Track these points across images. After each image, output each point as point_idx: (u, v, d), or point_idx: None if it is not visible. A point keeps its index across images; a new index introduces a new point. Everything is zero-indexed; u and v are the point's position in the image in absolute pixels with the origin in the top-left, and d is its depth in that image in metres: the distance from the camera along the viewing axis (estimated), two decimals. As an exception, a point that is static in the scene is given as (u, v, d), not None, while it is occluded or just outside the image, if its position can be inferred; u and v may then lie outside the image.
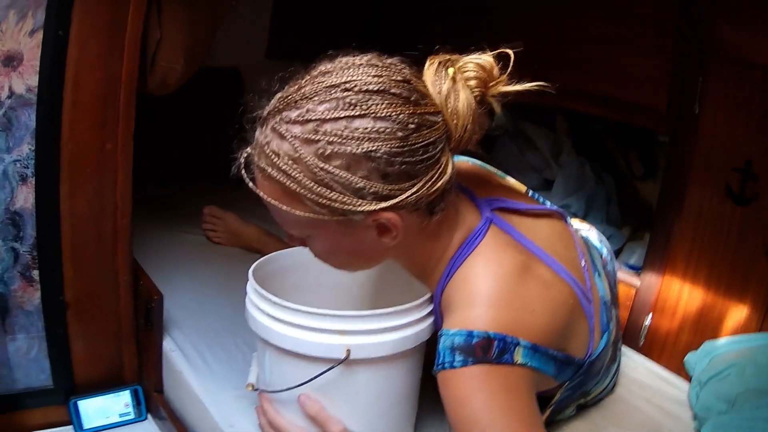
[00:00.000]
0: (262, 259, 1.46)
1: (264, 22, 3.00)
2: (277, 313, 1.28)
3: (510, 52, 1.22)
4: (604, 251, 1.72)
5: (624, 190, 2.50)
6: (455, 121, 1.17)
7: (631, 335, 1.90)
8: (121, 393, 1.84)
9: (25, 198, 1.63)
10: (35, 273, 1.69)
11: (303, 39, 2.95)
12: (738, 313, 1.74)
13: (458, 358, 1.17)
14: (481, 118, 1.22)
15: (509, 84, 1.23)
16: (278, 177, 1.14)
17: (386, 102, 1.12)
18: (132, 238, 1.78)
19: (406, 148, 1.12)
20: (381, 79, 1.13)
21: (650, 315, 1.86)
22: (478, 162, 1.55)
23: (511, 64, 1.21)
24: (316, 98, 1.12)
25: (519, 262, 1.28)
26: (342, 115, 1.11)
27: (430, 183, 1.16)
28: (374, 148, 1.10)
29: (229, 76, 2.83)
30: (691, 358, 1.75)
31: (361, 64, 1.16)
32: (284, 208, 1.17)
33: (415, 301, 1.33)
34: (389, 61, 1.19)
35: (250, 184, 1.21)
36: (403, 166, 1.13)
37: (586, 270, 1.46)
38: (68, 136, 1.61)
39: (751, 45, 1.67)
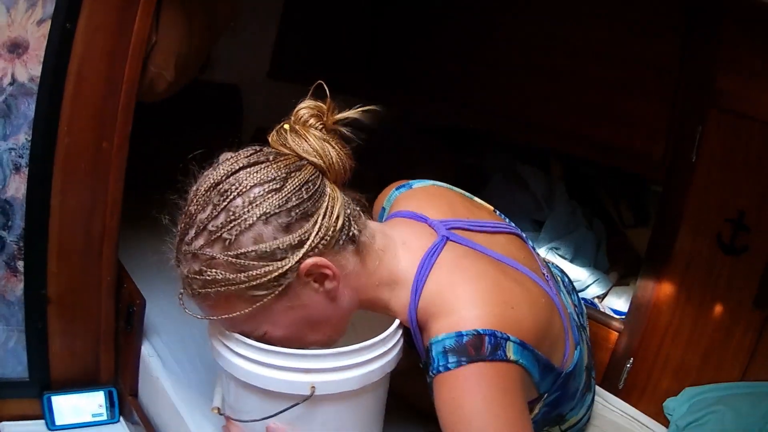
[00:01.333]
0: None
1: (268, 41, 3.02)
2: (242, 350, 1.29)
3: (322, 83, 1.28)
4: (566, 280, 1.75)
5: (613, 236, 2.50)
6: (316, 158, 1.26)
7: (611, 378, 1.89)
8: (96, 393, 1.82)
9: (16, 187, 1.63)
10: (20, 264, 1.68)
11: (305, 60, 2.98)
12: (721, 361, 1.73)
13: (452, 359, 1.19)
14: (341, 145, 1.30)
15: (341, 111, 1.31)
16: (209, 290, 1.22)
17: (251, 173, 1.22)
18: (119, 240, 1.78)
19: (288, 195, 1.21)
20: (237, 162, 1.25)
21: (632, 359, 1.85)
22: (443, 184, 1.61)
23: (328, 93, 1.29)
24: (199, 210, 1.23)
25: (486, 262, 1.34)
26: (224, 204, 1.20)
27: (328, 215, 1.24)
28: (264, 210, 1.19)
29: (229, 92, 2.84)
30: (670, 404, 1.76)
31: (218, 164, 1.27)
32: (233, 315, 1.24)
33: (379, 332, 1.34)
34: (239, 151, 1.29)
35: (198, 317, 1.31)
36: (297, 211, 1.21)
37: (549, 279, 1.49)
38: (66, 130, 1.61)
39: (751, 97, 1.68)
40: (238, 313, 1.23)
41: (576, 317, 1.60)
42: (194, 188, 1.26)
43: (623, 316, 1.98)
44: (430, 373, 1.22)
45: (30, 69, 1.55)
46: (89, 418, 1.81)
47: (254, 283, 1.20)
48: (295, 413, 1.28)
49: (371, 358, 1.30)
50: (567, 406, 1.53)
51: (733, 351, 1.72)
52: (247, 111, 3.01)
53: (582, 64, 2.16)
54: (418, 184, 1.58)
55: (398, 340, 1.37)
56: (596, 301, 2.15)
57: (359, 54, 2.66)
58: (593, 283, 2.21)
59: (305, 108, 1.29)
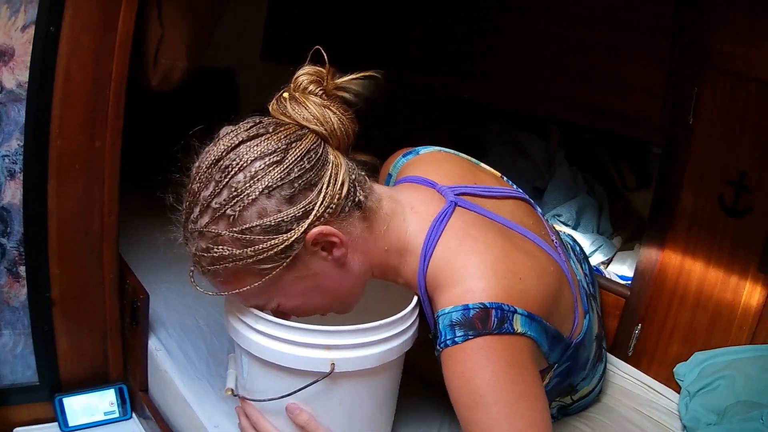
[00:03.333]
0: None
1: (259, 23, 3.00)
2: (261, 327, 1.29)
3: (320, 48, 1.28)
4: (577, 248, 1.75)
5: (616, 200, 2.49)
6: (317, 125, 1.24)
7: (620, 345, 1.88)
8: (107, 391, 1.83)
9: (12, 194, 1.62)
10: (22, 269, 1.68)
11: (297, 41, 2.92)
12: (729, 324, 1.72)
13: (459, 333, 1.19)
14: (342, 110, 1.29)
15: (341, 76, 1.30)
16: (218, 267, 1.23)
17: (251, 146, 1.22)
18: (119, 236, 1.77)
19: (290, 166, 1.20)
20: (237, 135, 1.24)
21: (639, 325, 1.85)
22: (450, 150, 1.60)
23: (326, 58, 1.27)
24: (202, 187, 1.23)
25: (495, 233, 1.32)
26: (225, 181, 1.20)
27: (332, 183, 1.23)
28: (266, 184, 1.19)
29: (223, 77, 2.83)
30: (680, 369, 1.75)
31: (218, 139, 1.26)
32: (243, 289, 1.25)
33: (393, 312, 1.34)
34: (237, 124, 1.28)
35: (209, 294, 1.31)
36: (300, 181, 1.21)
37: (559, 246, 1.49)
38: (57, 132, 1.60)
39: (747, 57, 1.65)
40: (248, 287, 1.24)
41: (586, 286, 1.59)
42: (196, 165, 1.26)
43: (629, 282, 1.97)
44: (438, 347, 1.23)
45: (17, 75, 1.54)
46: (102, 417, 1.82)
47: (262, 256, 1.20)
48: (312, 391, 1.28)
49: (391, 336, 1.31)
50: (578, 377, 1.54)
51: (740, 314, 1.70)
52: (242, 94, 3.02)
53: (577, 30, 2.13)
54: (424, 150, 1.58)
55: (416, 319, 1.37)
56: (601, 267, 2.13)
57: (352, 29, 2.64)
58: (597, 249, 2.19)
59: (304, 74, 1.28)
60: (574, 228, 2.29)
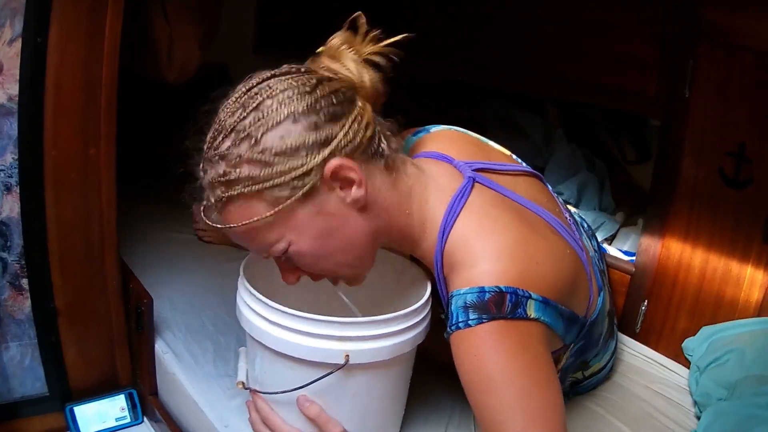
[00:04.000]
0: (250, 256, 1.45)
1: (250, 16, 3.00)
2: (275, 317, 1.28)
3: (359, 14, 1.28)
4: (585, 225, 1.74)
5: (617, 175, 2.47)
6: (352, 75, 1.24)
7: (627, 322, 1.88)
8: (117, 397, 1.84)
9: (10, 207, 1.62)
10: (24, 282, 1.69)
11: (290, 32, 2.94)
12: (735, 297, 1.72)
13: (472, 316, 1.18)
14: (374, 70, 1.28)
15: (373, 43, 1.29)
16: (232, 192, 1.19)
17: (282, 79, 1.22)
18: (120, 240, 1.77)
19: (317, 98, 1.19)
20: (272, 72, 1.25)
21: (646, 301, 1.84)
22: (460, 129, 1.58)
23: (363, 23, 1.28)
24: (229, 115, 1.21)
25: (513, 214, 1.30)
26: (253, 106, 1.19)
27: (356, 121, 1.22)
28: (292, 109, 1.18)
29: (217, 72, 2.81)
30: (689, 344, 1.74)
31: (250, 75, 1.25)
32: (252, 220, 1.21)
33: (408, 299, 1.35)
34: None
35: (217, 226, 1.26)
36: (326, 111, 1.20)
37: (572, 223, 1.48)
38: (51, 143, 1.60)
39: (741, 27, 1.64)
40: (260, 217, 1.20)
41: (597, 261, 1.59)
42: (225, 100, 1.24)
43: (633, 258, 1.96)
44: (449, 329, 1.22)
45: (7, 89, 1.54)
46: (114, 423, 1.83)
47: (278, 180, 1.17)
48: (326, 384, 1.28)
49: (405, 328, 1.30)
50: (591, 353, 1.54)
51: (747, 286, 1.70)
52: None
53: (570, 8, 2.11)
54: (435, 128, 1.56)
55: (429, 311, 1.37)
56: (605, 244, 2.12)
57: (344, 17, 2.63)
58: (600, 226, 2.18)
59: (338, 37, 1.28)
60: (576, 205, 2.28)
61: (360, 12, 1.26)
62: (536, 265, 1.24)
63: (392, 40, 1.27)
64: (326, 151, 1.18)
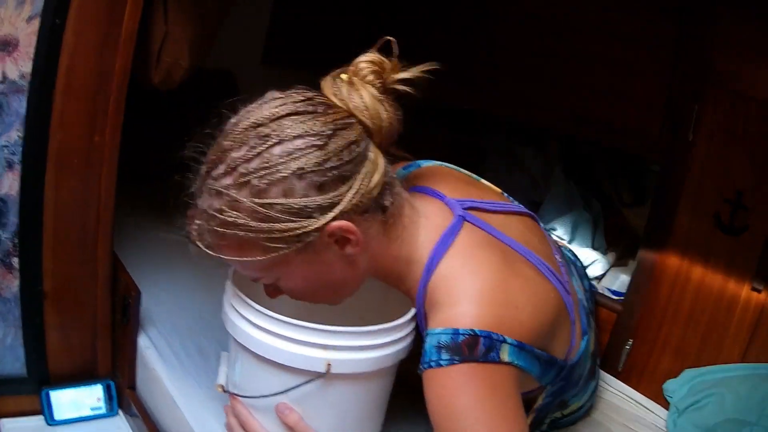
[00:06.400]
0: None
1: (261, 26, 3.00)
2: (259, 321, 1.28)
3: (392, 40, 1.24)
4: (578, 264, 1.75)
5: (611, 216, 2.49)
6: (367, 117, 1.21)
7: (610, 360, 1.88)
8: (94, 387, 1.82)
9: (10, 185, 1.62)
10: (15, 261, 1.68)
11: (299, 46, 2.96)
12: (720, 342, 1.72)
13: (444, 356, 1.18)
14: (393, 108, 1.25)
15: (403, 70, 1.26)
16: (228, 231, 1.19)
17: (296, 122, 1.18)
18: (114, 233, 1.78)
19: (329, 154, 1.17)
20: (285, 106, 1.20)
21: (631, 341, 1.85)
22: (450, 165, 1.58)
23: (396, 51, 1.25)
24: (234, 147, 1.19)
25: (498, 257, 1.30)
26: (261, 149, 1.16)
27: (366, 180, 1.20)
28: (300, 165, 1.15)
29: (223, 79, 2.84)
30: (670, 386, 1.75)
31: (263, 101, 1.23)
32: (245, 259, 1.21)
33: (394, 316, 1.34)
34: (289, 90, 1.25)
35: (209, 252, 1.24)
36: (334, 172, 1.17)
37: (563, 266, 1.48)
38: (58, 125, 1.60)
39: (748, 77, 1.66)
40: (252, 259, 1.21)
41: (586, 303, 1.60)
42: (233, 121, 1.22)
43: (621, 297, 1.97)
44: (421, 366, 1.22)
45: (21, 66, 1.54)
46: (88, 412, 1.82)
47: (275, 236, 1.17)
48: (305, 391, 1.28)
49: (389, 341, 1.31)
50: (570, 393, 1.54)
51: (732, 332, 1.70)
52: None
53: (579, 43, 2.15)
54: (425, 163, 1.56)
55: (413, 329, 1.37)
56: (594, 282, 2.13)
57: (354, 36, 2.64)
58: (591, 263, 2.19)
59: (367, 61, 1.24)
60: (569, 242, 2.29)
61: (392, 38, 1.24)
62: (515, 309, 1.24)
63: (423, 67, 1.26)
64: (329, 215, 1.18)
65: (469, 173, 1.59)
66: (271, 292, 1.36)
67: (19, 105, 1.57)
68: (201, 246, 1.26)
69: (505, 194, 1.58)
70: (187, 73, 1.93)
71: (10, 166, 1.60)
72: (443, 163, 1.58)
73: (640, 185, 2.47)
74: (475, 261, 1.28)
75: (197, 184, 1.24)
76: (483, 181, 1.58)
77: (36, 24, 1.52)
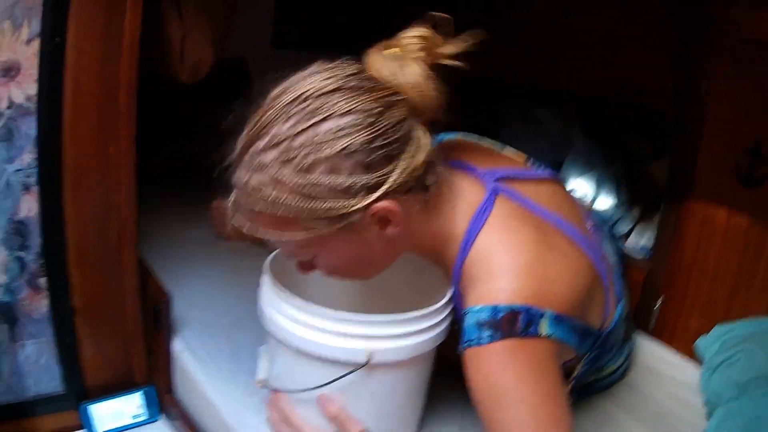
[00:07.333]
0: (275, 252, 1.44)
1: (268, 9, 2.97)
2: (298, 315, 1.28)
3: (446, 17, 1.22)
4: (605, 227, 1.75)
5: (634, 171, 2.47)
6: (415, 94, 1.19)
7: (642, 319, 1.89)
8: (133, 395, 1.83)
9: (29, 207, 1.62)
10: (42, 281, 1.68)
11: (308, 26, 2.93)
12: (749, 295, 1.73)
13: (485, 333, 1.18)
14: (439, 84, 1.21)
15: (453, 43, 1.23)
16: (269, 209, 1.17)
17: (345, 98, 1.15)
18: (138, 239, 1.77)
19: (377, 133, 1.14)
20: (333, 79, 1.17)
21: (660, 298, 1.85)
22: (474, 136, 1.56)
23: (448, 26, 1.22)
24: (278, 120, 1.15)
25: (533, 229, 1.29)
26: (308, 125, 1.13)
27: (411, 159, 1.18)
28: (348, 143, 1.13)
29: (236, 67, 2.79)
30: (701, 343, 1.75)
31: (309, 73, 1.19)
32: (285, 237, 1.20)
33: (426, 294, 1.36)
34: (335, 62, 1.21)
35: (245, 227, 1.23)
36: (381, 151, 1.15)
37: (594, 231, 1.48)
38: (70, 142, 1.59)
39: (759, 24, 1.64)
40: (290, 237, 1.20)
41: (618, 267, 1.60)
42: (275, 93, 1.19)
43: (648, 252, 1.97)
44: (462, 345, 1.22)
45: (26, 89, 1.53)
46: (130, 421, 1.83)
47: (319, 214, 1.16)
48: (346, 382, 1.28)
49: (426, 327, 1.30)
50: (606, 358, 1.54)
51: (760, 284, 1.71)
52: (254, 82, 2.94)
53: (592, 4, 2.13)
54: (446, 137, 1.53)
55: (450, 311, 1.37)
56: (621, 240, 2.13)
57: (363, 12, 2.62)
58: (617, 221, 2.18)
59: (416, 36, 1.21)
60: (593, 200, 2.29)
61: (442, 14, 1.22)
62: (551, 282, 1.24)
63: (470, 38, 1.23)
64: (374, 196, 1.16)
65: (492, 142, 1.57)
66: (305, 268, 1.35)
67: (29, 127, 1.56)
68: (236, 224, 1.25)
69: (531, 161, 1.55)
70: (211, 67, 1.94)
71: (27, 188, 1.60)
72: (465, 134, 1.56)
73: (661, 137, 2.44)
74: (510, 235, 1.27)
75: (234, 158, 1.21)
76: (507, 149, 1.56)
77: (36, 45, 1.51)
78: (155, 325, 1.79)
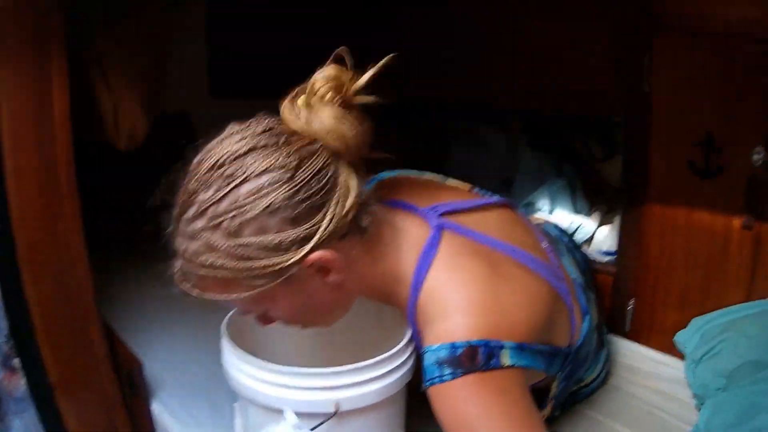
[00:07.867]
0: (232, 313, 1.47)
1: (202, 60, 2.96)
2: (260, 374, 1.29)
3: (343, 53, 1.21)
4: (565, 239, 1.72)
5: (587, 175, 2.44)
6: (332, 139, 1.18)
7: (616, 322, 1.88)
8: (122, 461, 1.85)
9: (-8, 293, 1.64)
10: (16, 361, 1.70)
11: (243, 74, 2.89)
12: (721, 285, 1.71)
13: (446, 371, 1.17)
14: (359, 120, 1.21)
15: (363, 75, 1.22)
16: (208, 273, 1.17)
17: (259, 157, 1.15)
18: (101, 307, 1.78)
19: (298, 187, 1.14)
20: (245, 141, 1.17)
21: (632, 299, 1.83)
22: (414, 172, 1.56)
23: (350, 60, 1.21)
24: (201, 188, 1.16)
25: (483, 262, 1.28)
26: (227, 190, 1.14)
27: (340, 205, 1.17)
28: (270, 201, 1.13)
29: (178, 120, 2.79)
30: (681, 337, 1.73)
31: (224, 137, 1.20)
32: (233, 297, 1.20)
33: (390, 331, 1.40)
34: (248, 121, 1.21)
35: (193, 293, 1.23)
36: (306, 203, 1.14)
37: (550, 251, 1.46)
38: (19, 224, 1.59)
39: (698, 13, 1.60)
40: (235, 296, 1.21)
41: (582, 280, 1.58)
42: (197, 160, 1.20)
43: (614, 255, 1.95)
44: (425, 384, 1.22)
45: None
46: (121, 486, 1.84)
47: (256, 273, 1.16)
48: (320, 432, 1.29)
49: (391, 369, 1.31)
50: (582, 370, 1.54)
51: (732, 273, 1.69)
52: (198, 134, 2.91)
53: (525, 16, 2.12)
54: (385, 176, 1.52)
55: (412, 350, 1.37)
56: (584, 247, 2.10)
57: (297, 54, 2.60)
58: (577, 229, 2.15)
59: (322, 79, 1.19)
60: (550, 212, 2.26)
61: (344, 47, 1.20)
62: (507, 313, 1.23)
63: (378, 66, 1.21)
64: (306, 247, 1.16)
65: (434, 175, 1.56)
66: (263, 321, 1.35)
67: (-22, 219, 1.58)
68: (185, 289, 1.25)
69: (476, 189, 1.55)
70: (147, 130, 1.93)
71: (-15, 276, 1.62)
72: (404, 170, 1.56)
73: (609, 138, 2.40)
74: (460, 271, 1.27)
75: (171, 228, 1.22)
76: (450, 180, 1.56)
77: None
78: (131, 390, 1.81)
